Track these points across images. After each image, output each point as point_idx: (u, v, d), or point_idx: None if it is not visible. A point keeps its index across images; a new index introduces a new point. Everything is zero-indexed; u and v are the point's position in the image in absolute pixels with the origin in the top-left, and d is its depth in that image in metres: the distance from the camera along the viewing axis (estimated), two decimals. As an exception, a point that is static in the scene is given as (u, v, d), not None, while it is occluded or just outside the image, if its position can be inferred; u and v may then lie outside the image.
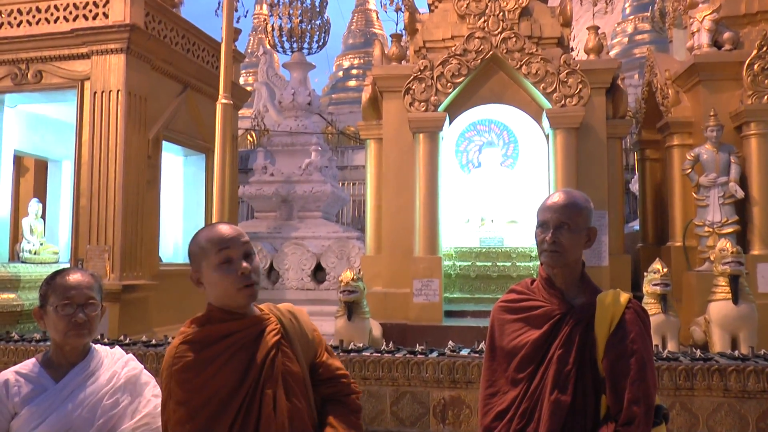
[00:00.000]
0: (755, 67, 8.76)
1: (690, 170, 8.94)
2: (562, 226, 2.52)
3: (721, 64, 9.21)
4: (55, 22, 9.57)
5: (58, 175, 11.72)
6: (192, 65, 10.71)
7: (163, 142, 10.02)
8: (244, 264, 2.25)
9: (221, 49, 8.35)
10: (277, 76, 23.23)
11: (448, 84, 8.93)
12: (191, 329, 2.31)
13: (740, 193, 8.69)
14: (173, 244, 11.15)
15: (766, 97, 8.73)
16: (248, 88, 16.08)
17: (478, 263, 9.40)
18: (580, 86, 8.74)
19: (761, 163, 8.81)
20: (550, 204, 2.57)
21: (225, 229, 2.31)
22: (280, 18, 16.92)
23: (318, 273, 12.38)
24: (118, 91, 9.15)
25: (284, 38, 16.59)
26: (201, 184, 11.23)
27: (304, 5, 17.33)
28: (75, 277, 2.56)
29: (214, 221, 7.93)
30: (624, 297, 2.52)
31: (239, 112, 14.45)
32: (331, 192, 13.50)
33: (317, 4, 17.85)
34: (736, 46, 9.36)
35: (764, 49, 8.74)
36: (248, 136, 21.28)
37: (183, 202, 11.32)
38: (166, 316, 9.65)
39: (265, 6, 26.17)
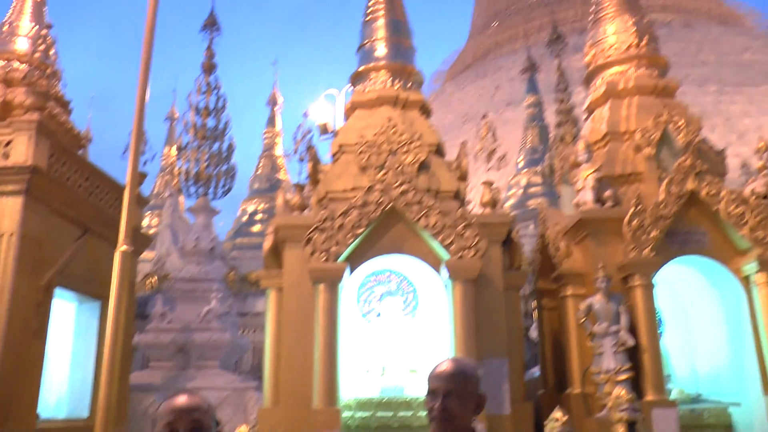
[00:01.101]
0: (634, 223, 9.42)
1: (584, 319, 9.29)
2: (450, 394, 2.55)
3: (605, 220, 9.86)
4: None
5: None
6: (94, 209, 10.53)
7: (56, 289, 9.61)
8: None
9: (125, 193, 8.26)
10: (181, 219, 23.06)
11: (349, 234, 9.09)
12: None
13: (631, 341, 9.05)
14: (57, 398, 10.45)
15: (645, 251, 9.31)
16: (152, 230, 15.88)
17: (378, 414, 9.21)
18: (476, 239, 9.07)
19: (647, 312, 9.29)
20: (439, 372, 2.61)
21: (181, 400, 2.34)
22: (188, 162, 17.08)
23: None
24: (11, 234, 8.82)
25: (190, 182, 16.69)
26: (94, 332, 10.73)
27: (212, 150, 17.60)
28: None
29: (103, 373, 7.53)
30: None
31: (141, 254, 14.16)
32: (230, 340, 13.19)
33: (225, 149, 18.16)
34: (617, 202, 10.05)
35: (639, 207, 9.45)
36: (148, 281, 20.74)
37: (72, 351, 10.74)
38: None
39: (174, 148, 26.40)
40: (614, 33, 11.81)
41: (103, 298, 10.47)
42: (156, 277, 20.10)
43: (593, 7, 12.57)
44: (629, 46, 11.61)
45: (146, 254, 19.53)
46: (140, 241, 11.65)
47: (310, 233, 9.07)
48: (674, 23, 54.42)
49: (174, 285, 14.72)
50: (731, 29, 56.21)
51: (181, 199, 24.12)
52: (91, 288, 10.52)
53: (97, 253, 10.54)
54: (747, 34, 55.18)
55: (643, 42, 11.60)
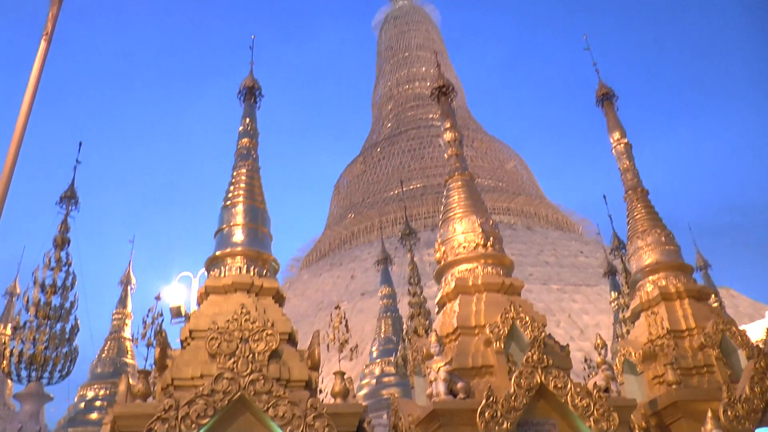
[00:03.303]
0: (486, 414, 9.59)
1: None
2: None
3: (458, 411, 9.96)
4: None
5: None
6: None
7: None
8: None
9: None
10: (6, 406, 21.02)
11: (193, 425, 8.59)
12: None
13: None
14: None
15: (498, 443, 9.40)
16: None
17: None
18: (326, 429, 8.84)
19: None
20: None
21: None
22: (23, 342, 15.90)
23: None
24: None
25: (23, 365, 15.47)
26: None
27: (54, 330, 16.54)
28: None
29: None
30: None
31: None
32: None
33: (68, 330, 17.11)
34: (469, 394, 10.24)
35: (491, 399, 9.68)
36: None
37: None
38: None
39: (9, 326, 24.60)
40: (462, 232, 12.58)
41: None
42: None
43: (443, 206, 13.45)
44: (477, 246, 12.37)
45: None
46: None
47: (151, 424, 8.50)
48: (518, 225, 59.07)
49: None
50: (567, 234, 61.70)
51: (10, 383, 22.17)
52: None
53: None
54: (580, 240, 60.75)
55: (490, 242, 12.42)
